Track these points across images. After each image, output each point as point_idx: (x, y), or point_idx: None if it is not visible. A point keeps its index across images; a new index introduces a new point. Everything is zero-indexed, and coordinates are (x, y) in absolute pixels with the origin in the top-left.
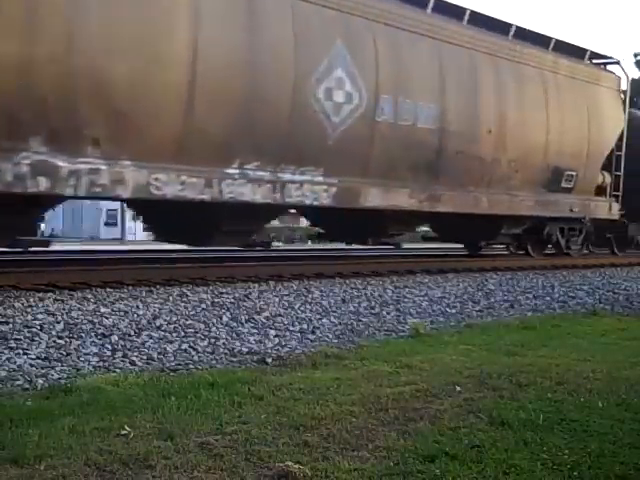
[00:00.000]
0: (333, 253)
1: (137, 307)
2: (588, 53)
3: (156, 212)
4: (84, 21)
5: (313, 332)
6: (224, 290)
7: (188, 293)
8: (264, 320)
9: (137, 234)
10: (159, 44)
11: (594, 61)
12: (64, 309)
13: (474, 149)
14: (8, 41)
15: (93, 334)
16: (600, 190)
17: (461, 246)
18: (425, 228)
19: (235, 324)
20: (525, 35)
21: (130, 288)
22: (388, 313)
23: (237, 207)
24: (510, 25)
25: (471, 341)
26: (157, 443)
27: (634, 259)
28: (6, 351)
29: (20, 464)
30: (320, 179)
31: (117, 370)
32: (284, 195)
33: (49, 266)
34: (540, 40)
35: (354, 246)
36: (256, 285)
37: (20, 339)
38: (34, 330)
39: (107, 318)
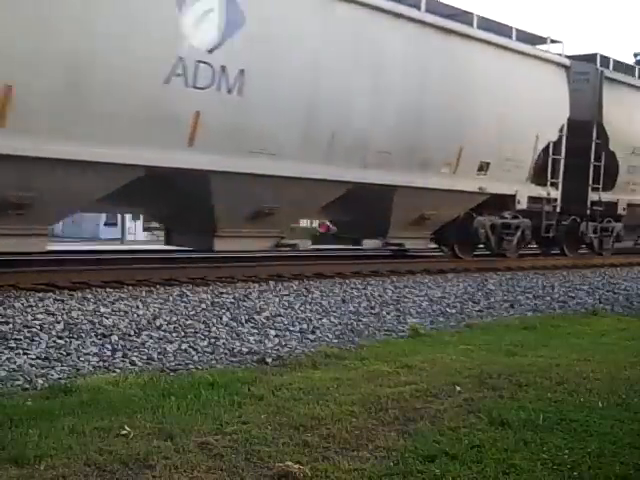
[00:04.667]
0: (333, 253)
1: (137, 307)
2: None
3: None
4: None
5: (313, 332)
6: (224, 290)
7: (188, 293)
8: (264, 320)
9: (137, 234)
10: None
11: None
12: (64, 309)
13: None
14: None
15: (93, 334)
16: None
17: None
18: None
19: (235, 324)
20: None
21: (130, 288)
22: (388, 313)
23: None
24: None
25: (471, 341)
26: (157, 443)
27: (634, 259)
28: (6, 351)
29: (20, 464)
30: None
31: (117, 370)
32: None
33: (49, 266)
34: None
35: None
36: (256, 285)
37: (20, 339)
38: (34, 330)
39: (107, 318)
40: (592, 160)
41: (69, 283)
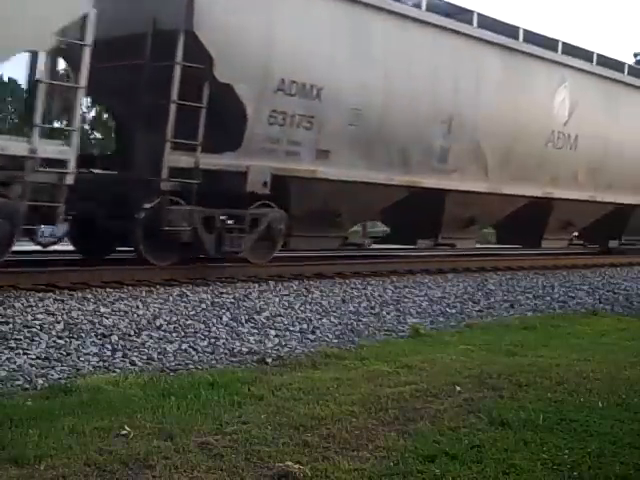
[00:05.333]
0: (333, 253)
1: (137, 307)
2: None
3: None
4: None
5: (313, 332)
6: (224, 290)
7: (188, 293)
8: (264, 320)
9: None
10: None
11: None
12: (64, 309)
13: None
14: None
15: (93, 334)
16: None
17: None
18: None
19: (235, 324)
20: None
21: (130, 288)
22: (388, 313)
23: None
24: None
25: (471, 341)
26: (157, 443)
27: (634, 259)
28: (6, 351)
29: (20, 464)
30: None
31: (117, 370)
32: None
33: (49, 266)
34: None
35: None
36: (256, 285)
37: (20, 339)
38: (34, 330)
39: (107, 318)
40: (174, 97)
41: (69, 283)
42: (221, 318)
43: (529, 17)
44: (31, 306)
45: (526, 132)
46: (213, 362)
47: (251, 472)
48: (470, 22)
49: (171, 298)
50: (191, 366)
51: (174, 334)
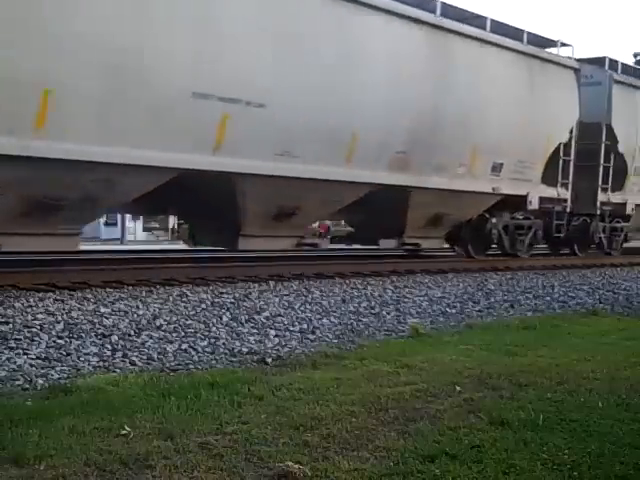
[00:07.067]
0: (333, 253)
1: (137, 307)
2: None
3: None
4: None
5: (313, 332)
6: (224, 290)
7: (188, 293)
8: (264, 320)
9: (137, 234)
10: None
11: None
12: (64, 309)
13: None
14: None
15: (93, 334)
16: None
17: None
18: None
19: (235, 324)
20: None
21: (130, 288)
22: (388, 313)
23: None
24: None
25: (471, 341)
26: (157, 443)
27: (634, 259)
28: (6, 351)
29: (20, 464)
30: None
31: (117, 370)
32: None
33: (49, 266)
34: None
35: (354, 246)
36: (256, 285)
37: (20, 339)
38: (34, 330)
39: (107, 318)
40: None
41: (69, 283)
42: (221, 318)
43: (529, 16)
44: (31, 306)
45: None
46: (213, 362)
47: (251, 472)
48: None
49: (171, 298)
50: (191, 366)
51: (174, 334)
